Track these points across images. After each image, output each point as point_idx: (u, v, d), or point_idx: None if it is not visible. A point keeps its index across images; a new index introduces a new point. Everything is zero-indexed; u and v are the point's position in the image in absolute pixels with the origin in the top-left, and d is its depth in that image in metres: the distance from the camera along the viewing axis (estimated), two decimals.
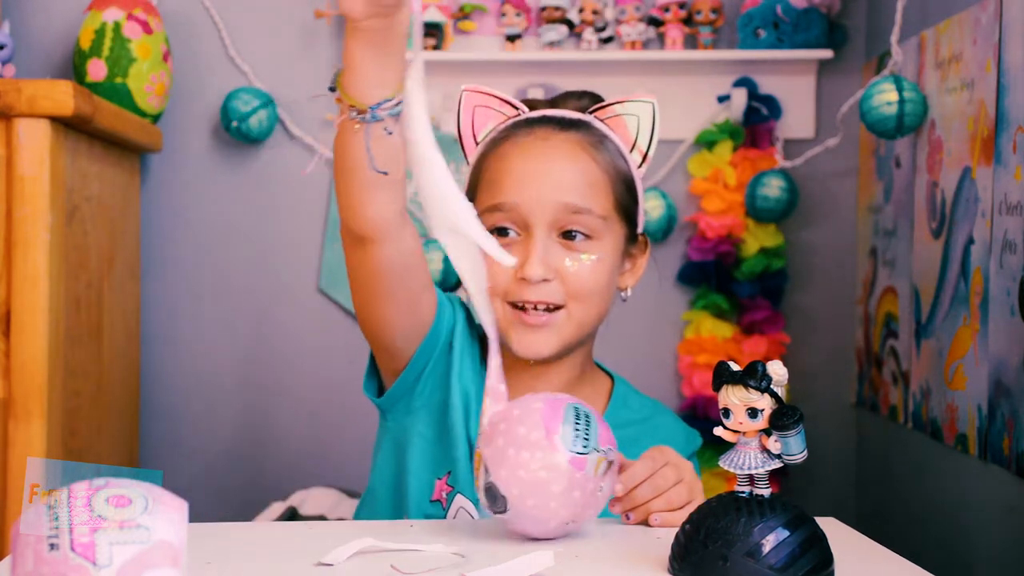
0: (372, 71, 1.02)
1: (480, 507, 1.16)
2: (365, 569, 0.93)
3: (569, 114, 1.24)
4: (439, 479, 1.21)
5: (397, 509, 1.23)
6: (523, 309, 1.19)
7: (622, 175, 1.23)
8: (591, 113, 1.24)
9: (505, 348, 1.19)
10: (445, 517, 1.20)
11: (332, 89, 1.04)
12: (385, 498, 1.25)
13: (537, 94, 1.93)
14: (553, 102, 1.29)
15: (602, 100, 1.28)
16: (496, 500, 0.98)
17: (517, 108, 1.25)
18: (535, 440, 0.97)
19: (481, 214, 1.17)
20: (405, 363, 1.20)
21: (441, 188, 0.93)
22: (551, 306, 1.19)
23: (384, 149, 1.03)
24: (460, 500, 1.20)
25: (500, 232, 1.20)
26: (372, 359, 1.24)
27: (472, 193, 1.24)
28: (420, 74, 0.94)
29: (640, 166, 1.25)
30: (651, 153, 1.24)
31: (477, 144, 1.25)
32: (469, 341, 1.25)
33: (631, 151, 1.24)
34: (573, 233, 1.19)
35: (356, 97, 1.03)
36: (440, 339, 1.22)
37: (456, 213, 0.93)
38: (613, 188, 1.22)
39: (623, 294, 1.27)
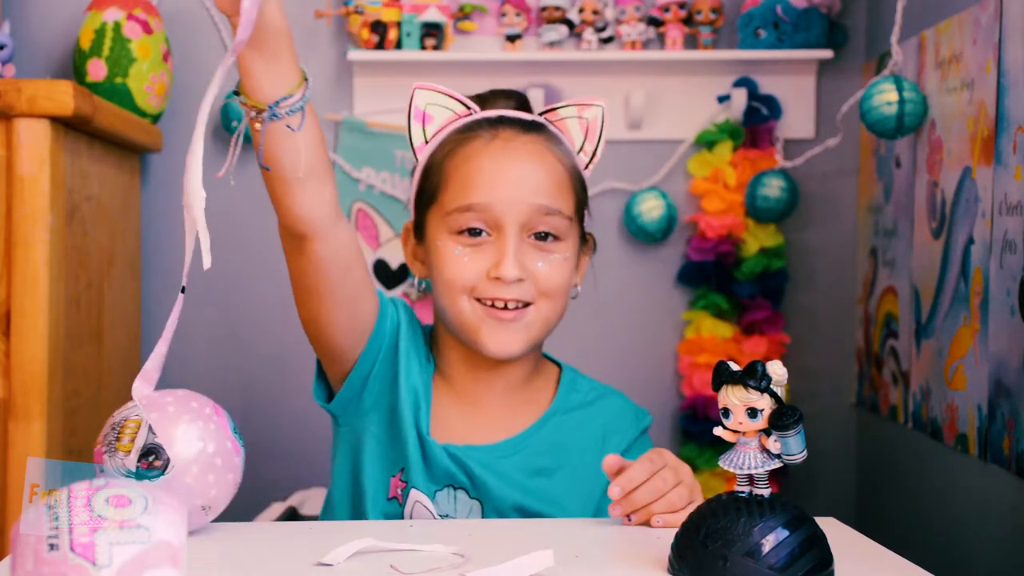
0: (260, 70, 1.05)
1: (432, 500, 1.20)
2: (364, 569, 0.93)
3: (526, 116, 1.26)
4: (393, 476, 1.24)
5: (356, 510, 1.26)
6: (494, 306, 1.21)
7: (578, 175, 1.26)
8: (542, 115, 1.27)
9: (474, 344, 1.22)
10: (402, 514, 1.22)
11: (236, 93, 1.06)
12: (343, 501, 1.27)
13: (537, 94, 1.93)
14: (481, 99, 1.29)
15: (526, 99, 1.31)
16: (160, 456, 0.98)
17: (468, 107, 1.26)
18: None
19: (451, 214, 1.20)
20: (351, 366, 1.23)
21: (194, 164, 1.01)
22: (521, 303, 1.22)
23: (290, 145, 1.05)
24: (415, 495, 1.22)
25: (472, 232, 1.21)
26: (319, 365, 1.27)
27: (435, 192, 1.24)
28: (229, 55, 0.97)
29: (587, 167, 1.27)
30: (597, 157, 1.27)
31: (427, 142, 1.26)
32: (413, 340, 1.27)
33: (579, 152, 1.27)
34: (544, 234, 1.22)
35: (255, 98, 1.05)
36: (385, 340, 1.24)
37: (193, 194, 1.04)
38: (574, 188, 1.25)
39: (573, 291, 1.29)
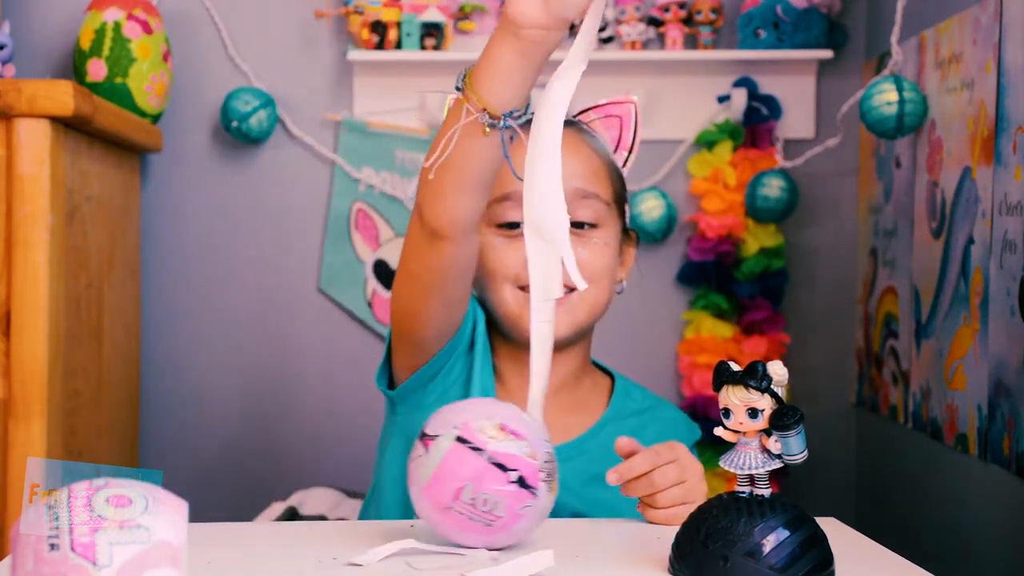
0: (516, 80, 1.01)
1: None
2: (365, 569, 0.93)
3: None
4: None
5: (408, 507, 1.22)
6: None
7: (615, 167, 1.26)
8: (576, 117, 1.27)
9: (517, 333, 1.22)
10: None
11: (459, 89, 1.02)
12: (394, 495, 1.24)
13: (537, 94, 1.92)
14: None
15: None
16: None
17: None
18: None
19: (490, 205, 1.18)
20: (428, 359, 1.21)
21: (549, 189, 0.95)
22: (566, 288, 1.19)
23: (490, 154, 1.04)
24: None
25: (511, 225, 1.21)
26: (388, 352, 1.25)
27: None
28: (580, 64, 0.96)
29: (624, 164, 1.28)
30: (635, 151, 1.28)
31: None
32: (484, 340, 1.27)
33: (616, 150, 1.27)
34: (581, 223, 1.21)
35: (492, 102, 1.01)
36: (463, 341, 1.24)
37: (554, 221, 0.96)
38: (611, 178, 1.25)
39: (618, 286, 1.29)
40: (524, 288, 1.19)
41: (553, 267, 0.98)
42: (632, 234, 1.31)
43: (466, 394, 1.23)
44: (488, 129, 1.01)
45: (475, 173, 1.05)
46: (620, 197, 1.27)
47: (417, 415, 1.22)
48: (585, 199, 1.21)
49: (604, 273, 1.23)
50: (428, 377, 1.23)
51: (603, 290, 1.24)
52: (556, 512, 1.18)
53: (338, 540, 1.02)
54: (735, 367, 0.88)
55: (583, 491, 1.21)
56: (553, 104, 0.97)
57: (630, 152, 1.28)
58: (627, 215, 1.29)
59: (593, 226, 1.22)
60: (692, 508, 0.94)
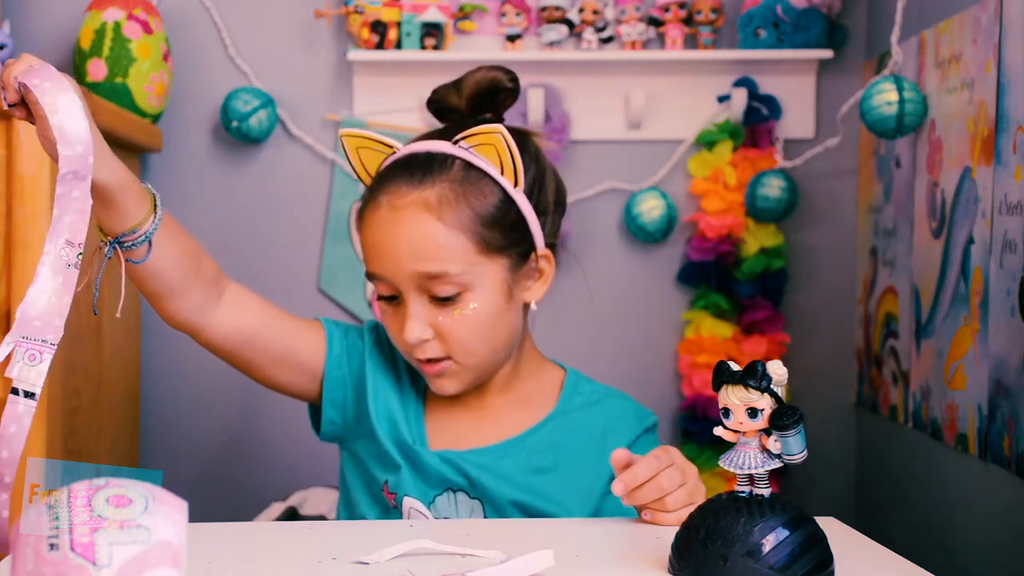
0: (100, 212, 1.06)
1: (430, 505, 1.24)
2: (365, 569, 0.93)
3: (431, 148, 1.22)
4: (381, 490, 1.27)
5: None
6: (418, 360, 1.24)
7: (483, 217, 1.20)
8: (457, 143, 1.22)
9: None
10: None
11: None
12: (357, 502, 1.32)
13: (537, 94, 1.93)
14: (457, 84, 1.27)
15: (514, 75, 1.27)
16: None
17: (392, 146, 1.25)
18: None
19: (369, 277, 1.24)
20: (320, 401, 1.30)
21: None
22: (436, 359, 1.23)
23: (140, 272, 1.11)
24: (409, 502, 1.25)
25: (388, 299, 1.24)
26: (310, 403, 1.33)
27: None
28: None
29: (516, 186, 1.22)
30: (521, 177, 1.22)
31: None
32: (382, 361, 1.31)
33: (501, 173, 1.22)
34: (444, 297, 1.21)
35: (104, 230, 1.08)
36: (345, 368, 1.29)
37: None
38: (472, 237, 1.20)
39: (531, 307, 1.28)
40: (417, 359, 1.24)
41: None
42: (545, 255, 1.26)
43: (368, 415, 1.28)
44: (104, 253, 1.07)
45: (144, 288, 1.14)
46: (496, 244, 1.21)
47: (354, 445, 1.32)
48: (434, 279, 1.19)
49: (473, 338, 1.22)
50: (335, 412, 1.30)
51: (481, 351, 1.23)
52: (498, 501, 1.23)
53: (338, 540, 1.02)
54: (735, 367, 0.88)
55: (527, 482, 1.24)
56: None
57: (516, 176, 1.21)
58: (537, 239, 1.24)
59: (453, 297, 1.20)
60: (687, 511, 0.95)
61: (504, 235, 1.22)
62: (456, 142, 1.22)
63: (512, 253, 1.23)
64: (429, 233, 1.20)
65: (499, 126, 1.20)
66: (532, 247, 1.25)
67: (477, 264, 1.21)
